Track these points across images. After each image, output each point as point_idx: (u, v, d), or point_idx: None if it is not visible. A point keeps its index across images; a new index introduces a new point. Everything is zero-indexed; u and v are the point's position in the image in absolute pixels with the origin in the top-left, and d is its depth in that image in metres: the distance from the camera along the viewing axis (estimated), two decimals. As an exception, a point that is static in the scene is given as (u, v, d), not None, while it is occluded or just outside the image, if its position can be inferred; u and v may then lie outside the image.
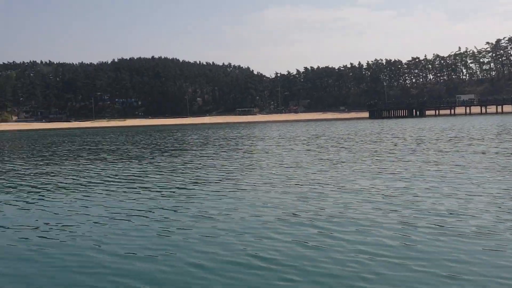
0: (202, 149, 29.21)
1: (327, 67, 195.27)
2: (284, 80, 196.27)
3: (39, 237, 8.13)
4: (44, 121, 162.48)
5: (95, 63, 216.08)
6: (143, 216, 9.43)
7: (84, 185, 14.29)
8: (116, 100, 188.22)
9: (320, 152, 23.57)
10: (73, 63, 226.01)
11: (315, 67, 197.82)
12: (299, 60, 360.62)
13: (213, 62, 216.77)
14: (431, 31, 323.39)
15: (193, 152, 26.82)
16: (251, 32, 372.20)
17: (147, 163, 20.55)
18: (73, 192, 13.06)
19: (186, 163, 20.17)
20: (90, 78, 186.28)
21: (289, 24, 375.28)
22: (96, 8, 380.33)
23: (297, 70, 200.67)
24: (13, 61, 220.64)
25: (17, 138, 62.05)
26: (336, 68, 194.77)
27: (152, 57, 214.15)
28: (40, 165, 21.82)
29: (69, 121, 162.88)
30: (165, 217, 9.27)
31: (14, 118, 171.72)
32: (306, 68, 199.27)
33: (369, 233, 7.50)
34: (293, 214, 9.14)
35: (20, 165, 22.20)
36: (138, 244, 7.37)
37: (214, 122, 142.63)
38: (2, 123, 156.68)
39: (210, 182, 13.91)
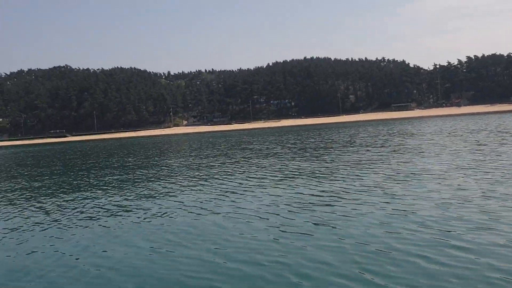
0: (344, 148, 29.41)
1: (494, 55, 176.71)
2: (444, 71, 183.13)
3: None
4: (209, 125, 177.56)
5: (252, 68, 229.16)
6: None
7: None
8: (271, 102, 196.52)
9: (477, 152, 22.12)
10: (232, 70, 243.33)
11: (479, 55, 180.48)
12: (459, 49, 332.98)
13: (365, 58, 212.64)
14: None
15: (334, 152, 27.20)
16: (405, 24, 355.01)
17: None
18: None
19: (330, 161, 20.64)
20: (247, 83, 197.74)
21: (448, 12, 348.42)
22: (250, 18, 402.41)
23: (459, 60, 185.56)
24: (182, 71, 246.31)
25: (191, 140, 69.42)
26: (505, 54, 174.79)
27: (304, 58, 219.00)
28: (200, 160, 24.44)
29: (231, 124, 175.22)
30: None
31: (184, 122, 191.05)
32: (469, 57, 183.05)
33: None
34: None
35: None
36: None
37: (367, 119, 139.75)
38: (175, 127, 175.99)
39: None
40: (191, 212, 11.27)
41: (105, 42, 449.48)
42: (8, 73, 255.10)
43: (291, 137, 51.52)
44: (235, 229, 9.27)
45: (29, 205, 13.98)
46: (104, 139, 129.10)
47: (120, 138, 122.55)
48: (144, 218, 10.95)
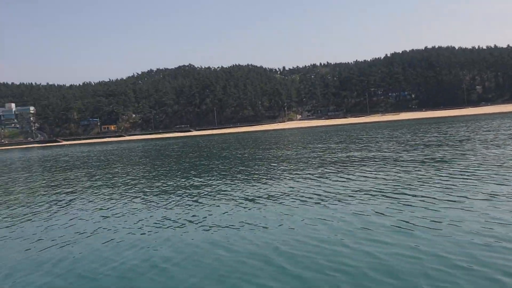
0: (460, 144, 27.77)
1: None
2: None
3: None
4: (323, 119, 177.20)
5: (369, 60, 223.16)
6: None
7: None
8: (389, 94, 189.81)
9: None
10: (348, 62, 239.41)
11: None
12: None
13: (494, 45, 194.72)
14: None
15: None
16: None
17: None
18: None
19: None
20: (364, 75, 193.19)
21: None
22: (374, 7, 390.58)
23: None
24: (297, 66, 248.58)
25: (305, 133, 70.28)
26: None
27: (425, 47, 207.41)
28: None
29: (346, 117, 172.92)
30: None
31: (298, 117, 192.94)
32: None
33: None
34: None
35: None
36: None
37: (496, 111, 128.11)
38: (289, 122, 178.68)
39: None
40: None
41: (224, 42, 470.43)
42: (140, 73, 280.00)
43: (405, 131, 49.58)
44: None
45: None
46: (223, 133, 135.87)
47: (238, 133, 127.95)
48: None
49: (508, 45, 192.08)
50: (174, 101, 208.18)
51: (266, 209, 11.43)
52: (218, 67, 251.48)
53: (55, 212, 13.36)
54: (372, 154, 24.57)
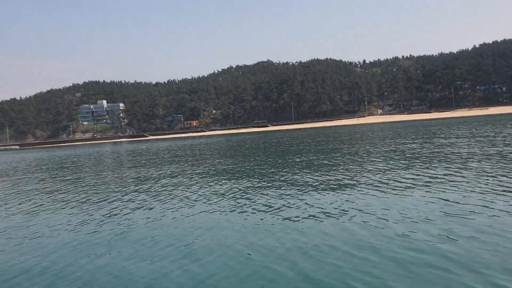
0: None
1: None
2: None
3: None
4: (406, 113, 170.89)
5: (455, 52, 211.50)
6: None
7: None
8: (477, 87, 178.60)
9: None
10: (432, 55, 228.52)
11: None
12: None
13: None
14: None
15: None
16: None
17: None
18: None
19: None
20: (449, 67, 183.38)
21: None
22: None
23: None
24: (378, 59, 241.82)
25: (384, 129, 68.59)
26: None
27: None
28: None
29: (430, 112, 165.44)
30: None
31: (379, 111, 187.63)
32: None
33: None
34: None
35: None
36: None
37: None
38: (369, 117, 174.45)
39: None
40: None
41: (300, 37, 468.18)
42: (220, 70, 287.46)
43: (488, 128, 46.63)
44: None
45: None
46: (299, 128, 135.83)
47: (314, 128, 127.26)
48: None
49: None
50: (252, 96, 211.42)
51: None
52: (297, 62, 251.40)
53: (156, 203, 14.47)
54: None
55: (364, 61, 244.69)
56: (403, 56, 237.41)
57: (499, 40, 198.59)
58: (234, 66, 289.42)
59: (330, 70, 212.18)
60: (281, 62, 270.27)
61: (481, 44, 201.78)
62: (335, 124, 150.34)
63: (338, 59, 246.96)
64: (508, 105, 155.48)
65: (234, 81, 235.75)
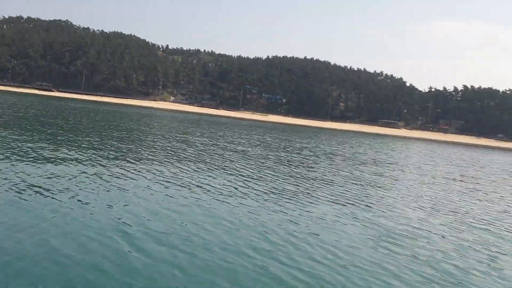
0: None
1: (490, 88, 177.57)
2: (438, 96, 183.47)
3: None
4: (196, 105, 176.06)
5: (251, 58, 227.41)
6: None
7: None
8: (263, 94, 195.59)
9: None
10: (232, 55, 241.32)
11: (476, 86, 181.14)
12: (457, 77, 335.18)
13: (364, 69, 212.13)
14: None
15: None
16: (411, 44, 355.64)
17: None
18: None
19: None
20: (243, 71, 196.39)
21: (458, 38, 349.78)
22: (254, 10, 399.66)
23: (454, 87, 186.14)
24: (181, 47, 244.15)
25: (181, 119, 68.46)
26: (501, 91, 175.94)
27: (305, 57, 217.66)
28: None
29: (218, 109, 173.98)
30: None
31: (172, 98, 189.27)
32: (465, 86, 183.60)
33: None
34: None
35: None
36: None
37: (354, 129, 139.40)
38: (161, 102, 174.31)
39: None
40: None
41: (110, 4, 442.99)
42: (7, 17, 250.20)
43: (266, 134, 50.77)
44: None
45: None
46: (86, 100, 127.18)
47: (102, 102, 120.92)
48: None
49: (375, 71, 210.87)
50: (40, 55, 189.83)
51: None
52: (99, 30, 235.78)
53: None
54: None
55: (167, 46, 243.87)
56: (205, 51, 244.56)
57: (288, 56, 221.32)
58: (25, 17, 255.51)
59: (131, 46, 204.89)
60: (81, 26, 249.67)
61: (273, 56, 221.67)
62: (128, 103, 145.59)
63: (142, 37, 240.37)
64: (284, 115, 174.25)
65: (21, 33, 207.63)
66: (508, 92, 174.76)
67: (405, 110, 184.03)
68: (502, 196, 18.95)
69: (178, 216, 9.91)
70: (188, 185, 13.51)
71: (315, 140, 50.99)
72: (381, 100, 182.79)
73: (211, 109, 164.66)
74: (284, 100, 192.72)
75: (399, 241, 9.91)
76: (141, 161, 17.14)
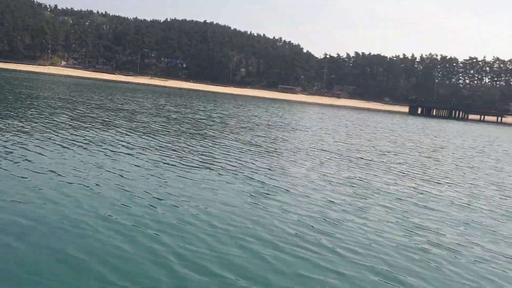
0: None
1: (378, 55, 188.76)
2: (333, 62, 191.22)
3: None
4: (90, 70, 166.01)
5: (148, 20, 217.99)
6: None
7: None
8: (162, 59, 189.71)
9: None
10: (127, 17, 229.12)
11: (367, 53, 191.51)
12: (352, 45, 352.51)
13: (264, 35, 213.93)
14: (494, 32, 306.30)
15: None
16: (309, 10, 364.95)
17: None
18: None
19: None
20: (140, 34, 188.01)
21: (356, 12, 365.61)
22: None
23: (347, 54, 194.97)
24: (71, 8, 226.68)
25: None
26: (388, 57, 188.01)
27: (204, 21, 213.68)
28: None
29: (114, 74, 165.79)
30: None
31: (63, 63, 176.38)
32: (356, 53, 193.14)
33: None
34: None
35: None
36: None
37: (255, 95, 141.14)
38: (51, 66, 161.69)
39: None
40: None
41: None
42: None
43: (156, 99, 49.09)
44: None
45: None
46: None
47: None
48: None
49: (274, 37, 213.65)
50: None
51: None
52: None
53: None
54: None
55: (56, 6, 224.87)
56: (98, 12, 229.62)
57: (188, 19, 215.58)
58: None
59: (12, 5, 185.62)
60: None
61: (172, 19, 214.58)
62: (10, 67, 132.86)
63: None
64: (185, 80, 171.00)
65: None
66: (394, 58, 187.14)
67: (303, 76, 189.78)
68: (381, 150, 20.03)
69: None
70: (61, 143, 12.40)
71: (212, 105, 50.57)
72: (280, 65, 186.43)
73: (106, 74, 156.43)
74: (184, 65, 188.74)
75: (274, 195, 9.86)
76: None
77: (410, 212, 9.59)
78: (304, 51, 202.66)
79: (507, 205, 11.33)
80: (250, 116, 37.24)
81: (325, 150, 18.88)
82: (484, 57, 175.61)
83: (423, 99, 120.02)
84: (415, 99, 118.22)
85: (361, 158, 17.60)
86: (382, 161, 17.14)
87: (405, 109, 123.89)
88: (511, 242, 8.14)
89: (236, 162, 13.78)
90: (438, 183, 13.56)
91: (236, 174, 11.83)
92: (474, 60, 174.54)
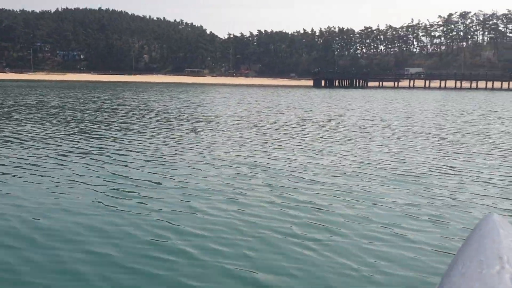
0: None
1: (280, 32, 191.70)
2: (237, 42, 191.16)
3: None
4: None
5: (37, 11, 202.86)
6: None
7: None
8: (57, 52, 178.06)
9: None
10: (13, 10, 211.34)
11: (269, 30, 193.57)
12: (255, 23, 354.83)
13: (164, 18, 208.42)
14: (388, 2, 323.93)
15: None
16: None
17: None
18: None
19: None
20: (30, 27, 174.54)
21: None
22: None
23: (250, 33, 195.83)
24: None
25: None
26: (290, 33, 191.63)
27: (99, 8, 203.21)
28: None
29: (5, 72, 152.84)
30: None
31: None
32: (259, 31, 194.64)
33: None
34: None
35: None
36: None
37: (161, 81, 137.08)
38: None
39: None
40: None
41: None
42: None
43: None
44: None
45: None
46: None
47: None
48: None
49: (175, 20, 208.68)
50: None
51: None
52: None
53: None
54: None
55: None
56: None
57: (81, 7, 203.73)
58: None
59: None
60: None
61: (63, 9, 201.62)
62: None
63: None
64: (85, 72, 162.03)
65: None
66: (295, 34, 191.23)
67: (209, 58, 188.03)
68: (277, 125, 19.64)
69: None
70: None
71: (109, 94, 47.71)
72: (184, 49, 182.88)
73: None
74: (82, 56, 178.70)
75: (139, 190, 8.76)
76: None
77: (294, 188, 8.99)
78: (208, 32, 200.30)
79: (394, 170, 11.20)
80: (145, 102, 35.57)
81: (221, 130, 18.07)
82: (378, 25, 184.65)
83: (325, 71, 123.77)
84: (317, 72, 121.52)
85: (255, 135, 17.00)
86: (275, 137, 16.66)
87: (310, 82, 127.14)
88: (394, 209, 7.78)
89: (99, 151, 12.50)
90: (331, 153, 13.25)
91: (91, 166, 10.53)
92: (369, 30, 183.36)
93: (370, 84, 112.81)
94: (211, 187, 8.83)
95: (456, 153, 13.67)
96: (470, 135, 18.11)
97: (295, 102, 40.74)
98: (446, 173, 10.62)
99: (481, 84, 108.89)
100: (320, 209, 7.55)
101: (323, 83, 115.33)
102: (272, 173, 10.31)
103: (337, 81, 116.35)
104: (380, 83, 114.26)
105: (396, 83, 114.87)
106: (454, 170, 10.99)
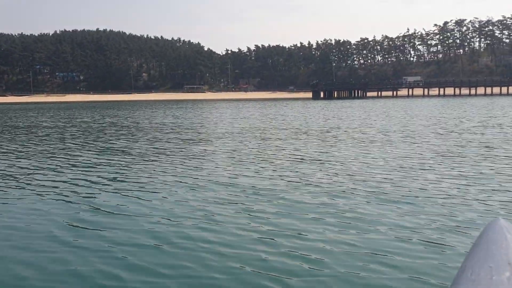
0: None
1: (277, 46, 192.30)
2: (235, 57, 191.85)
3: None
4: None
5: (36, 35, 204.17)
6: None
7: None
8: (57, 74, 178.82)
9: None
10: (11, 34, 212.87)
11: (266, 45, 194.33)
12: (252, 38, 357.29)
13: (161, 37, 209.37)
14: (383, 13, 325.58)
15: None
16: (204, 8, 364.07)
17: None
18: None
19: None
20: (28, 50, 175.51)
21: (245, 1, 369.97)
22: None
23: (248, 48, 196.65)
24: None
25: None
26: (287, 47, 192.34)
27: (97, 29, 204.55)
28: None
29: (5, 96, 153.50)
30: None
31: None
32: (257, 46, 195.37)
33: None
34: None
35: None
36: None
37: (160, 99, 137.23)
38: None
39: None
40: None
41: None
42: None
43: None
44: None
45: None
46: None
47: None
48: None
49: (172, 38, 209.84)
50: None
51: None
52: None
53: None
54: None
55: None
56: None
57: (79, 29, 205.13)
58: None
59: None
60: None
61: (61, 31, 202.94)
62: None
63: None
64: (84, 93, 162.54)
65: None
66: (293, 48, 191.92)
67: (208, 74, 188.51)
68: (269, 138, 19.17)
69: None
70: None
71: (101, 114, 47.40)
72: (183, 66, 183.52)
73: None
74: (81, 77, 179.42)
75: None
76: None
77: (276, 212, 8.42)
78: (205, 49, 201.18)
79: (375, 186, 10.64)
80: (142, 119, 35.21)
81: (205, 149, 17.57)
82: (374, 36, 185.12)
83: (324, 82, 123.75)
84: (316, 84, 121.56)
85: (250, 152, 16.50)
86: (263, 153, 16.15)
87: (309, 94, 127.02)
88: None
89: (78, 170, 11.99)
90: (322, 170, 12.69)
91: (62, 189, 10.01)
92: (366, 41, 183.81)
93: (369, 94, 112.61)
94: (185, 213, 8.28)
95: (462, 161, 13.09)
96: (472, 136, 17.54)
97: (290, 115, 40.30)
98: (449, 186, 10.04)
99: (480, 90, 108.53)
100: (305, 235, 6.96)
101: (322, 94, 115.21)
102: (253, 193, 9.75)
103: (336, 92, 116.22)
104: (379, 92, 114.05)
105: (395, 92, 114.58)
106: (459, 178, 10.40)
